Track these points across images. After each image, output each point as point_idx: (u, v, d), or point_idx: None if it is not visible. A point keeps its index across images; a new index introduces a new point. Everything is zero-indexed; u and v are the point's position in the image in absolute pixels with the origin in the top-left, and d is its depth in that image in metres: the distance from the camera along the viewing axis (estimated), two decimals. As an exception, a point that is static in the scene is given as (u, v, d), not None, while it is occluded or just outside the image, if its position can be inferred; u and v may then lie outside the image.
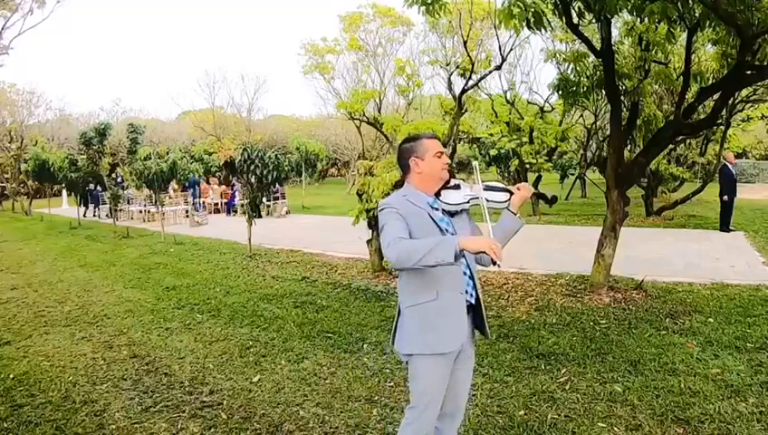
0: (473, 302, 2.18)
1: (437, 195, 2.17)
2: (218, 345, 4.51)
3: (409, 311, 2.11)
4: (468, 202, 2.16)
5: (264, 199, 14.64)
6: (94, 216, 18.24)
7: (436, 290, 2.07)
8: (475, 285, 2.19)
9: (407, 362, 2.16)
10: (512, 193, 2.17)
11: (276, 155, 8.70)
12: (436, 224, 2.09)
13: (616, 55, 5.61)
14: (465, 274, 2.14)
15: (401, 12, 14.91)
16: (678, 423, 2.95)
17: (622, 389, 3.38)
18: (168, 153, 15.85)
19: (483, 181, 2.17)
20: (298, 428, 3.07)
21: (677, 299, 5.35)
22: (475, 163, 2.30)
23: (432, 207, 2.13)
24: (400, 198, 2.12)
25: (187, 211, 15.53)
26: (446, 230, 2.11)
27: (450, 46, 13.36)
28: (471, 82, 7.85)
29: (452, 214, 2.18)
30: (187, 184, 18.92)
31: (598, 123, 12.95)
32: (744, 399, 3.19)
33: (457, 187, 2.18)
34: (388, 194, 5.63)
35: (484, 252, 1.77)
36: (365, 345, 4.37)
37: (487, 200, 2.12)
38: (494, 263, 1.80)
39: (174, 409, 3.36)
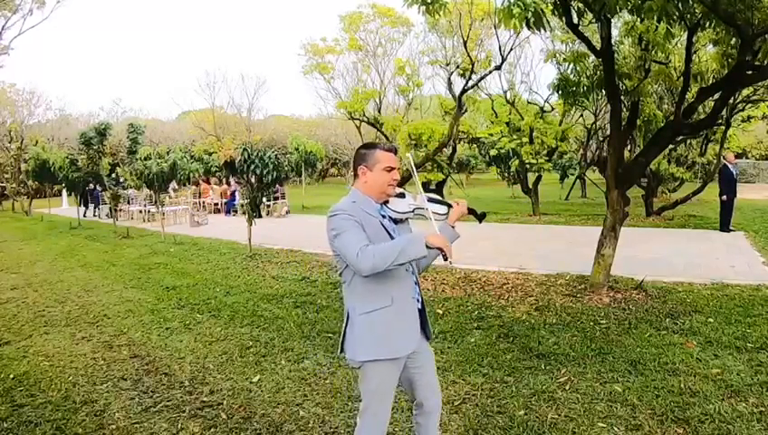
0: (420, 307, 2.23)
1: (385, 202, 2.21)
2: (218, 345, 4.52)
3: (364, 318, 2.10)
4: (413, 211, 2.24)
5: (264, 199, 14.64)
6: (94, 216, 18.24)
7: (391, 296, 2.09)
8: (419, 290, 2.26)
9: (357, 368, 2.15)
10: (450, 206, 2.26)
11: (276, 155, 8.71)
12: (388, 232, 2.13)
13: (616, 55, 5.61)
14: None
15: (401, 12, 14.90)
16: (678, 423, 2.95)
17: (622, 389, 3.38)
18: (168, 153, 15.85)
19: (424, 194, 2.28)
20: (298, 428, 3.08)
21: (677, 299, 5.35)
22: (415, 176, 2.37)
23: (381, 215, 2.16)
24: (352, 205, 2.10)
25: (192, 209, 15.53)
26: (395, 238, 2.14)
27: (450, 46, 13.37)
28: (471, 82, 7.84)
29: (396, 221, 2.23)
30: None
31: (598, 123, 12.95)
32: (744, 399, 3.19)
33: (402, 195, 2.25)
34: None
35: (442, 249, 1.94)
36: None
37: (431, 212, 2.21)
38: (446, 259, 1.95)
39: (174, 409, 3.36)
